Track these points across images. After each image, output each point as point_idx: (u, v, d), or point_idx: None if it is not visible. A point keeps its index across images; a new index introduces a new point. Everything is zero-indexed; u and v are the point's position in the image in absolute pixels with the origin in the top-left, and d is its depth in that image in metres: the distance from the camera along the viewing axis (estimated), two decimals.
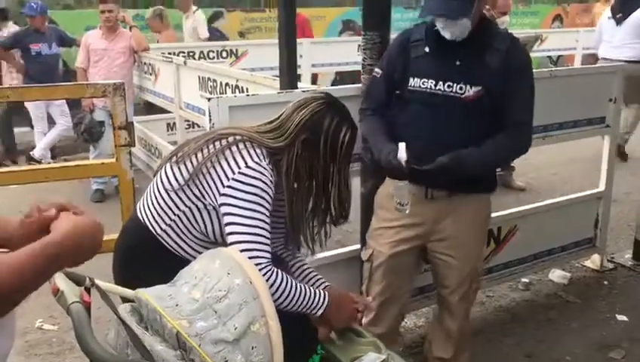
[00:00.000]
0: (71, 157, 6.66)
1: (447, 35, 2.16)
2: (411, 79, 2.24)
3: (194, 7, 7.55)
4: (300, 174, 1.81)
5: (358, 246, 2.80)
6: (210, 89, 4.15)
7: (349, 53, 7.78)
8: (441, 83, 2.18)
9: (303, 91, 2.69)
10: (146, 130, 5.93)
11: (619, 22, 6.07)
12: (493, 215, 3.21)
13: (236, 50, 6.92)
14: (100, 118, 5.34)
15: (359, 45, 6.32)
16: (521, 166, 5.60)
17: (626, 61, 5.17)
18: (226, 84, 3.85)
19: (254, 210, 1.69)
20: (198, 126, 5.16)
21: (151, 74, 5.56)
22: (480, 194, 2.38)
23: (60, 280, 1.23)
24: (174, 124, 5.67)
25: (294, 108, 1.86)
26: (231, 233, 1.69)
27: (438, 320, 2.54)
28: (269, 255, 1.69)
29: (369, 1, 2.63)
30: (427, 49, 2.23)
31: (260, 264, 1.65)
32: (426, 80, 2.20)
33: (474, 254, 2.40)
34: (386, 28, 2.63)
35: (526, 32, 9.27)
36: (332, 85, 10.31)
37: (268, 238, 1.71)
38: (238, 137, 1.79)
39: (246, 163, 1.72)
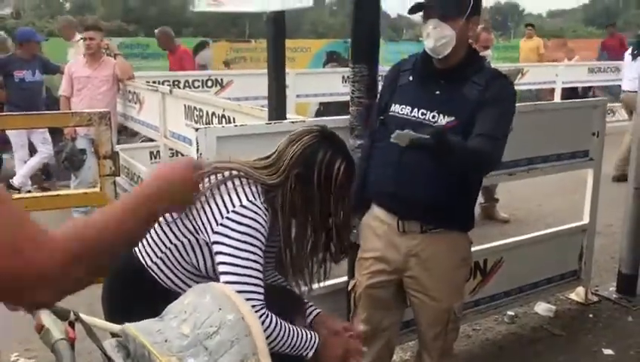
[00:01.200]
0: (48, 184, 6.56)
1: (430, 43, 2.16)
2: (393, 105, 2.28)
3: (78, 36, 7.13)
4: (295, 210, 1.78)
5: (346, 277, 2.76)
6: (196, 118, 4.13)
7: (333, 84, 7.86)
8: (416, 110, 2.20)
9: (292, 122, 2.69)
10: (128, 158, 5.88)
11: (634, 58, 7.06)
12: (478, 247, 3.22)
13: (221, 80, 6.94)
14: (82, 146, 5.28)
15: (343, 77, 6.39)
16: (504, 197, 5.64)
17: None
18: (213, 114, 3.84)
19: (247, 251, 1.66)
20: (182, 155, 5.12)
21: (136, 102, 5.53)
22: (455, 232, 2.31)
23: (44, 315, 1.18)
24: (158, 152, 5.63)
25: (287, 143, 1.84)
26: (223, 273, 1.67)
27: (417, 356, 2.51)
28: (261, 296, 1.67)
29: (358, 34, 2.65)
30: (411, 78, 2.28)
31: (255, 307, 1.62)
32: (405, 106, 2.23)
33: (448, 295, 2.31)
34: (374, 60, 2.66)
35: (507, 65, 9.46)
36: (316, 116, 10.40)
37: (261, 279, 1.68)
38: (234, 172, 1.77)
39: (240, 201, 1.70)
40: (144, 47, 9.86)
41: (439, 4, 2.15)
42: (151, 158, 6.31)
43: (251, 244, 1.67)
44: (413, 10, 2.22)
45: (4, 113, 5.31)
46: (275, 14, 2.84)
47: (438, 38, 2.14)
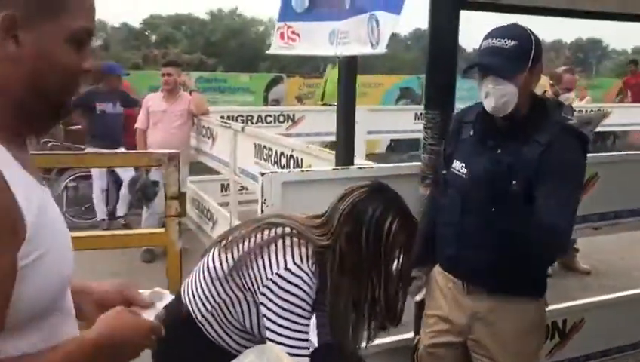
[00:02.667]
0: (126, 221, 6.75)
1: (490, 103, 1.96)
2: (455, 161, 2.13)
3: None
4: (344, 273, 1.68)
5: (412, 334, 2.62)
6: (265, 157, 4.13)
7: (405, 120, 7.76)
8: (476, 170, 2.05)
9: (360, 168, 2.61)
10: (199, 191, 5.97)
11: None
12: (557, 306, 3.00)
13: (293, 115, 6.99)
14: (155, 178, 5.40)
15: (416, 114, 6.24)
16: (585, 247, 5.30)
17: None
18: (281, 153, 3.82)
19: (292, 312, 1.61)
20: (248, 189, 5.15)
21: (209, 137, 5.63)
22: (526, 298, 2.11)
23: None
24: (228, 185, 5.68)
25: (338, 200, 1.74)
26: (269, 336, 1.63)
27: None
28: (307, 359, 1.63)
29: (432, 78, 2.55)
30: (472, 132, 2.11)
31: None
32: (464, 165, 2.08)
33: None
34: (448, 106, 2.54)
35: (591, 106, 9.04)
36: (387, 151, 10.30)
37: (307, 340, 1.64)
38: (287, 229, 1.71)
39: (286, 264, 1.63)
40: (221, 81, 10.14)
41: (498, 63, 1.93)
42: (222, 191, 6.40)
43: (296, 306, 1.62)
44: (468, 70, 2.04)
45: (81, 152, 5.53)
46: (347, 56, 2.79)
47: (499, 97, 1.95)
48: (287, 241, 1.68)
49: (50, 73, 0.89)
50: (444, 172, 2.20)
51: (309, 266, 1.65)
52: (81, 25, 0.91)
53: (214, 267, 1.74)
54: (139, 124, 5.66)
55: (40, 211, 0.86)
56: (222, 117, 5.86)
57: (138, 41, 27.05)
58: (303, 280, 1.63)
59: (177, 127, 5.54)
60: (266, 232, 1.71)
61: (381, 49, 2.08)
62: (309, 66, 12.07)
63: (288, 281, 1.62)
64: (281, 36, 3.01)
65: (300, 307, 1.62)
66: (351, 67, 2.95)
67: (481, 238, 2.01)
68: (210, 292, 1.74)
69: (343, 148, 2.85)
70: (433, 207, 2.28)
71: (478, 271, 2.06)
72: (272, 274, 1.63)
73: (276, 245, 1.67)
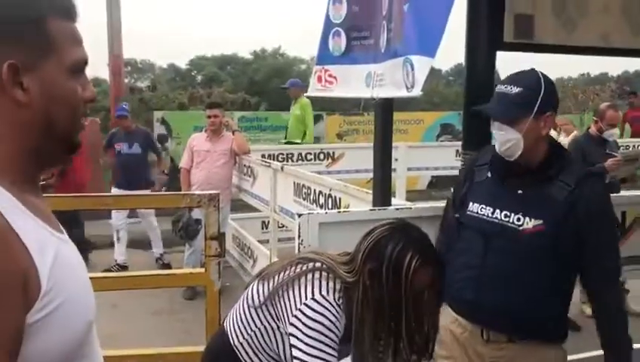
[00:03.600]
0: (169, 249, 6.87)
1: (497, 147, 2.00)
2: (470, 204, 2.09)
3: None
4: (368, 308, 1.72)
5: None
6: (304, 195, 4.17)
7: (446, 157, 7.71)
8: (498, 211, 2.01)
9: (397, 209, 2.61)
10: (240, 228, 6.05)
11: None
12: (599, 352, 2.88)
13: (333, 153, 7.04)
14: (198, 216, 5.50)
15: (457, 150, 6.15)
16: (636, 288, 5.09)
17: None
18: (320, 193, 3.85)
19: (319, 341, 1.66)
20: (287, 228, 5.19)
21: (250, 176, 5.73)
22: (547, 343, 2.05)
23: None
24: (269, 222, 5.74)
25: (363, 237, 1.81)
26: None
27: None
28: None
29: (468, 118, 2.56)
30: (489, 174, 2.09)
31: None
32: (484, 206, 2.04)
33: None
34: (486, 144, 2.54)
35: (635, 141, 8.82)
36: (428, 186, 10.22)
37: None
38: (317, 264, 1.79)
39: (313, 294, 1.70)
40: (263, 120, 10.33)
41: (500, 109, 1.97)
42: (262, 228, 6.46)
43: (323, 335, 1.66)
44: (475, 114, 2.09)
45: (112, 194, 5.69)
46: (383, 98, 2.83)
47: (503, 142, 1.98)
48: (317, 275, 1.75)
49: (58, 109, 0.91)
50: (456, 215, 2.16)
51: (335, 299, 1.71)
52: (76, 56, 0.94)
53: (252, 297, 1.84)
54: (183, 163, 5.81)
55: (55, 261, 0.87)
56: (263, 155, 5.96)
57: (184, 81, 27.85)
58: (329, 311, 1.68)
59: (220, 165, 5.67)
60: (298, 266, 1.79)
61: (416, 92, 2.10)
62: (349, 104, 12.18)
63: (315, 311, 1.68)
64: (319, 79, 3.07)
65: (327, 337, 1.66)
66: (387, 107, 2.98)
67: (504, 279, 1.97)
68: (247, 320, 1.84)
69: (380, 189, 2.86)
70: (444, 251, 2.18)
71: (501, 315, 2.00)
72: (300, 304, 1.70)
73: (306, 278, 1.75)
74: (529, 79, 1.97)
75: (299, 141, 7.56)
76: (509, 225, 1.98)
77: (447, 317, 2.18)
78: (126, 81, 14.31)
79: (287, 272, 1.78)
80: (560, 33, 2.71)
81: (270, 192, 4.95)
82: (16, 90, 0.87)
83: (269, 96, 22.42)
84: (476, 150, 2.50)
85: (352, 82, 2.84)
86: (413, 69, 2.07)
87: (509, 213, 1.99)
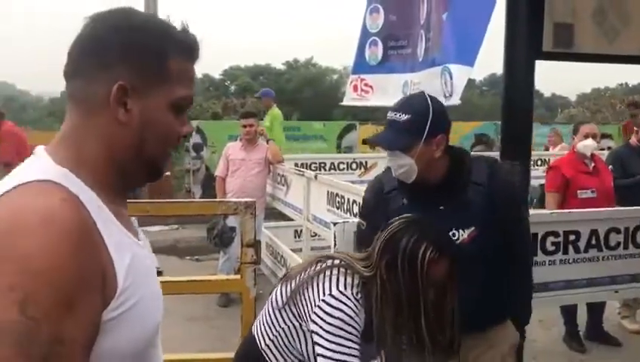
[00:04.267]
0: (204, 256, 6.95)
1: (393, 171, 2.03)
2: None
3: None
4: (387, 301, 1.74)
5: None
6: (337, 204, 4.18)
7: None
8: None
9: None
10: (274, 237, 6.08)
11: None
12: None
13: (365, 162, 7.04)
14: (232, 224, 5.56)
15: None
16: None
17: None
18: (354, 201, 3.85)
19: (339, 336, 1.69)
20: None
21: (283, 184, 5.76)
22: (506, 322, 2.17)
23: None
24: (302, 231, 5.76)
25: (379, 233, 1.84)
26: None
27: None
28: None
29: (507, 128, 2.54)
30: (405, 200, 2.05)
31: None
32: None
33: None
34: (525, 155, 2.52)
35: None
36: None
37: None
38: (335, 261, 1.83)
39: (330, 290, 1.74)
40: (296, 129, 10.39)
41: (389, 137, 1.99)
42: (295, 237, 6.48)
43: (342, 330, 1.70)
44: (369, 144, 2.21)
45: (150, 201, 5.78)
46: None
47: (396, 168, 2.00)
48: (335, 271, 1.79)
49: (152, 138, 0.97)
50: None
51: (353, 294, 1.74)
52: (184, 93, 0.99)
53: (276, 299, 1.88)
54: (218, 172, 5.89)
55: (132, 262, 0.92)
56: (296, 164, 5.99)
57: (218, 91, 28.22)
58: (347, 306, 1.71)
59: (255, 174, 5.72)
60: (318, 265, 1.84)
61: (455, 101, 2.10)
62: (382, 113, 12.15)
63: (332, 306, 1.71)
64: (355, 88, 3.10)
65: (346, 331, 1.70)
66: None
67: (467, 292, 1.90)
68: (272, 322, 1.88)
69: None
70: None
71: (472, 318, 1.92)
72: (319, 300, 1.74)
73: (324, 274, 1.79)
74: (418, 105, 1.97)
75: None
76: None
77: None
78: None
79: (307, 272, 1.83)
80: (601, 42, 2.67)
81: (303, 201, 4.97)
82: (119, 108, 0.94)
83: (302, 105, 22.56)
84: (515, 160, 2.49)
85: (389, 91, 2.86)
86: (451, 78, 2.07)
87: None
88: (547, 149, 8.94)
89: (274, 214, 6.77)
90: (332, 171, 6.71)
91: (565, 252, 2.80)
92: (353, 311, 1.72)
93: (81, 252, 0.83)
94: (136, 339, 0.93)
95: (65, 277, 0.80)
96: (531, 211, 2.53)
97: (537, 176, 5.83)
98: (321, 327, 1.71)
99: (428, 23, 2.37)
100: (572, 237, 2.81)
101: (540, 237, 2.73)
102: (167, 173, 7.12)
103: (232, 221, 5.60)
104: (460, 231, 1.97)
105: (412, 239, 1.73)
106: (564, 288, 2.83)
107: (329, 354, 1.69)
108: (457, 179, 2.00)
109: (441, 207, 1.99)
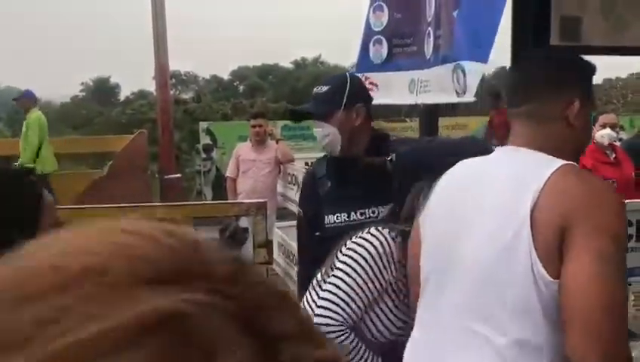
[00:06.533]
0: None
1: (319, 142, 2.23)
2: (326, 217, 2.17)
3: None
4: None
5: None
6: None
7: None
8: (353, 213, 2.11)
9: None
10: (285, 236, 6.09)
11: None
12: None
13: None
14: (245, 225, 5.58)
15: None
16: None
17: None
18: None
19: (346, 273, 1.67)
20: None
21: (294, 184, 5.78)
22: None
23: None
24: None
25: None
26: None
27: None
28: (341, 317, 1.63)
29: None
30: (329, 183, 2.21)
31: (329, 326, 1.61)
32: (339, 214, 2.13)
33: None
34: None
35: None
36: None
37: (349, 303, 1.64)
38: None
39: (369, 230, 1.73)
40: (305, 128, 10.38)
41: (310, 107, 2.23)
42: None
43: (349, 268, 1.68)
44: (295, 117, 2.44)
45: (163, 203, 5.83)
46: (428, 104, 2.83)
47: (321, 138, 2.18)
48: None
49: (585, 137, 1.48)
50: (317, 233, 2.20)
51: (389, 235, 1.70)
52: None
53: (317, 281, 1.82)
54: (229, 172, 5.92)
55: None
56: (306, 163, 6.00)
57: (227, 92, 28.32)
58: (378, 241, 1.69)
59: (265, 174, 5.74)
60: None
61: (469, 97, 2.11)
62: (390, 110, 12.14)
63: (357, 243, 1.71)
64: None
65: (354, 270, 1.66)
66: (432, 113, 2.98)
67: None
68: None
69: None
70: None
71: None
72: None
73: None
74: (337, 78, 2.27)
75: (32, 165, 6.82)
76: (369, 220, 2.05)
77: None
78: (171, 92, 14.65)
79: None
80: (609, 34, 2.65)
81: None
82: (571, 117, 1.34)
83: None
84: None
85: (395, 89, 2.86)
86: (465, 75, 2.08)
87: (363, 210, 2.10)
88: None
89: (285, 214, 6.78)
90: None
91: None
92: (382, 248, 1.66)
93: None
94: None
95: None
96: None
97: None
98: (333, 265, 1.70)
99: (436, 20, 2.37)
100: None
101: None
102: (178, 175, 7.16)
103: (244, 222, 5.62)
104: (380, 208, 2.06)
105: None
106: None
107: (322, 293, 1.67)
108: (377, 155, 2.09)
109: (363, 186, 2.11)
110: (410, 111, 10.68)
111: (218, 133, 9.62)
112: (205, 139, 9.50)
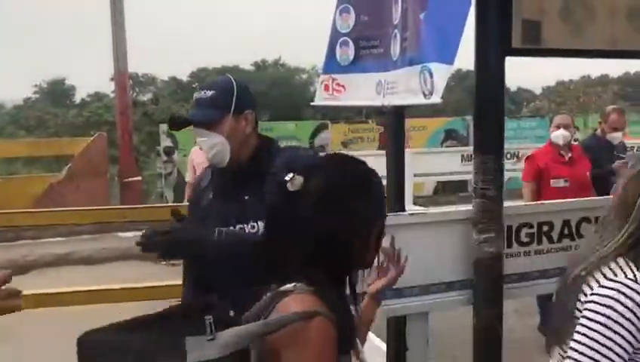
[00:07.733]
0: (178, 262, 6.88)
1: (206, 154, 1.98)
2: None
3: None
4: None
5: None
6: None
7: (452, 163, 7.74)
8: (231, 227, 1.93)
9: (411, 214, 2.64)
10: None
11: None
12: None
13: None
14: None
15: (463, 155, 6.20)
16: None
17: None
18: None
19: (598, 335, 1.32)
20: None
21: None
22: None
23: None
24: None
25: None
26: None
27: None
28: None
29: (480, 123, 2.58)
30: (211, 195, 2.03)
31: None
32: (220, 228, 1.91)
33: None
34: (499, 150, 2.56)
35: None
36: (433, 194, 10.23)
37: None
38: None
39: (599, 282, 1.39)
40: (268, 130, 10.34)
41: (196, 113, 1.96)
42: None
43: (605, 331, 1.35)
44: (176, 126, 2.05)
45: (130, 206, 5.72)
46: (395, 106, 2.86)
47: (208, 148, 1.96)
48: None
49: None
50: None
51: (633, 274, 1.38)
52: None
53: None
54: (188, 177, 5.85)
55: None
56: None
57: (186, 93, 27.97)
58: (622, 295, 1.35)
59: None
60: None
61: (436, 99, 2.13)
62: (353, 112, 12.24)
63: (598, 303, 1.36)
64: (326, 88, 3.10)
65: (611, 331, 1.33)
66: (399, 115, 3.01)
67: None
68: None
69: (394, 195, 2.89)
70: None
71: None
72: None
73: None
74: (222, 82, 2.01)
75: None
76: (247, 236, 1.91)
77: None
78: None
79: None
80: (567, 37, 2.74)
81: None
82: None
83: (272, 106, 22.51)
84: (489, 154, 2.54)
85: (361, 90, 2.88)
86: (432, 77, 2.10)
87: (242, 225, 1.93)
88: None
89: None
90: None
91: (539, 242, 2.86)
92: (630, 303, 1.29)
93: None
94: None
95: None
96: (505, 204, 2.59)
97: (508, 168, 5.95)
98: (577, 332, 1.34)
99: (403, 22, 2.39)
100: (545, 228, 2.87)
101: (514, 229, 2.79)
102: (139, 178, 7.04)
103: None
104: (259, 223, 1.88)
105: None
106: (538, 278, 2.89)
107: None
108: (261, 165, 1.95)
109: (247, 197, 1.94)
110: (370, 112, 10.78)
111: (179, 135, 9.49)
112: (166, 142, 9.36)
